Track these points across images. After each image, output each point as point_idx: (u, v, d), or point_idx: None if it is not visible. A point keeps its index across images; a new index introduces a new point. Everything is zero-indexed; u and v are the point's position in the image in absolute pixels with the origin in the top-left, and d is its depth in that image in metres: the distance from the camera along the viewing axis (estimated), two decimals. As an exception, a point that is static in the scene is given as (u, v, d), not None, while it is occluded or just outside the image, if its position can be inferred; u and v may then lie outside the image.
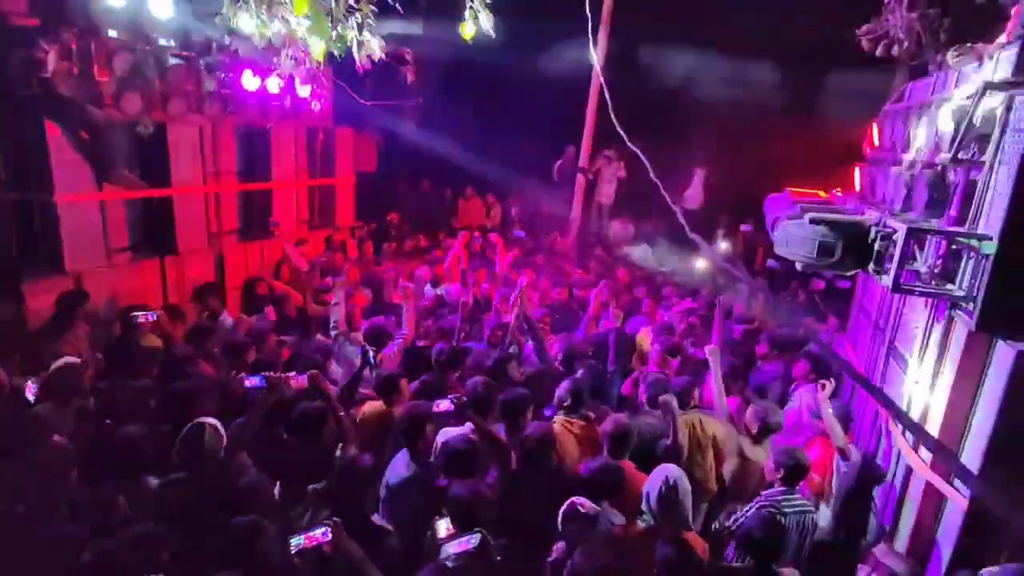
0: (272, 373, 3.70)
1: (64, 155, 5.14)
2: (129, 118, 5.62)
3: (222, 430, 3.15)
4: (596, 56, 7.98)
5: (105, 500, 2.71)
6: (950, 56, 3.63)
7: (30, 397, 3.44)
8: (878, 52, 4.89)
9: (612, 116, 3.78)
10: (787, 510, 3.23)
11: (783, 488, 3.32)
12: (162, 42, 5.85)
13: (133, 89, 5.54)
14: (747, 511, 3.25)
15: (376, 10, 3.93)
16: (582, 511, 2.88)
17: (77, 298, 4.90)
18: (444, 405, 3.52)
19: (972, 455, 2.79)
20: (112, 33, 5.42)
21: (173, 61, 6.07)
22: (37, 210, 5.26)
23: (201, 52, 6.22)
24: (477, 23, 3.65)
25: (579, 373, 4.41)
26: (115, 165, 5.43)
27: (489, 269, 7.18)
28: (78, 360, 3.83)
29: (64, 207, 5.27)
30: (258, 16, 3.77)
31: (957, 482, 2.89)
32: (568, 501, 2.94)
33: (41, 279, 5.15)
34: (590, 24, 5.30)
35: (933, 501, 3.11)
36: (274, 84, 6.63)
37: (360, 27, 3.59)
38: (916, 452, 3.25)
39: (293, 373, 3.65)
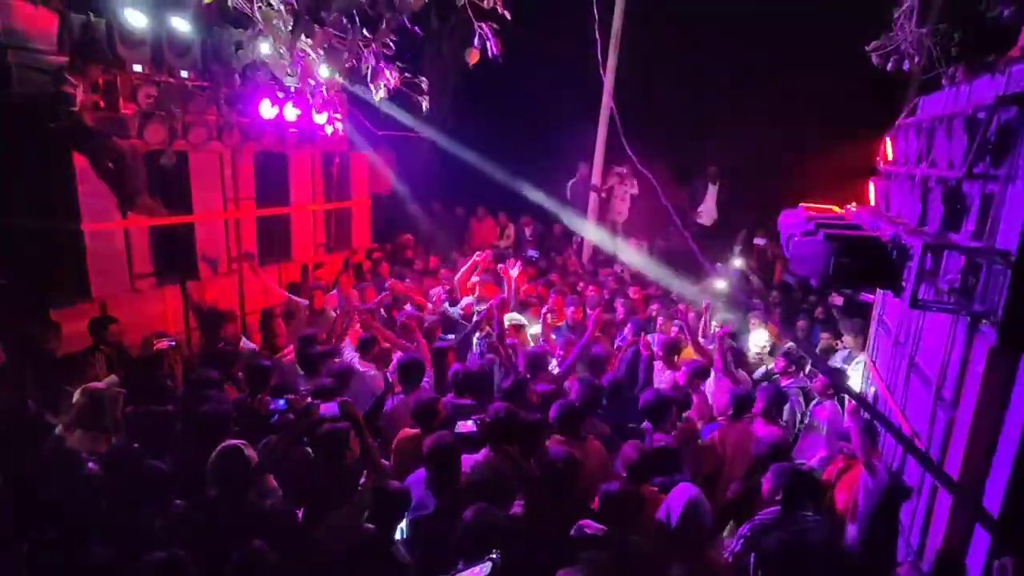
0: (295, 396, 3.77)
1: (90, 185, 5.30)
2: (152, 148, 5.79)
3: (251, 452, 3.18)
4: (606, 75, 8.10)
5: (139, 526, 2.74)
6: (962, 70, 3.64)
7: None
8: (889, 67, 4.91)
9: (623, 140, 3.83)
10: (778, 529, 3.19)
11: (778, 508, 3.30)
12: (184, 74, 6.04)
13: (156, 120, 5.72)
14: (742, 532, 3.24)
15: (395, 38, 4.04)
16: (588, 532, 2.85)
17: (104, 324, 5.03)
18: (467, 426, 3.52)
19: (999, 472, 2.74)
20: (137, 67, 5.62)
21: (194, 92, 6.25)
22: (64, 238, 5.42)
23: (221, 83, 6.40)
24: (484, 49, 3.73)
25: (572, 393, 4.39)
26: (139, 193, 5.59)
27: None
28: (102, 386, 3.90)
29: (90, 235, 5.42)
30: (276, 49, 3.90)
31: (986, 502, 2.83)
32: (575, 525, 2.91)
33: (68, 305, 5.29)
34: (600, 44, 5.41)
35: (961, 519, 3.04)
36: (291, 112, 6.81)
37: (376, 57, 3.69)
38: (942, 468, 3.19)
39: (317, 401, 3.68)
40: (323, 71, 4.33)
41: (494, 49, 3.64)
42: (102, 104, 5.41)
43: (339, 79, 3.73)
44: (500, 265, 6.88)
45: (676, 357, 5.52)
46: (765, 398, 4.52)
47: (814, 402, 5.05)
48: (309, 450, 3.53)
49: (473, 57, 3.71)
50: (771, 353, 6.21)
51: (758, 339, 6.39)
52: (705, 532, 3.00)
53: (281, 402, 3.65)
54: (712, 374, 5.22)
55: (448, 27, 10.93)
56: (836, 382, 4.66)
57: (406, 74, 4.29)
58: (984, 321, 2.78)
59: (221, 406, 3.67)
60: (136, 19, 5.38)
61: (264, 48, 4.12)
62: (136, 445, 3.48)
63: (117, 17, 5.32)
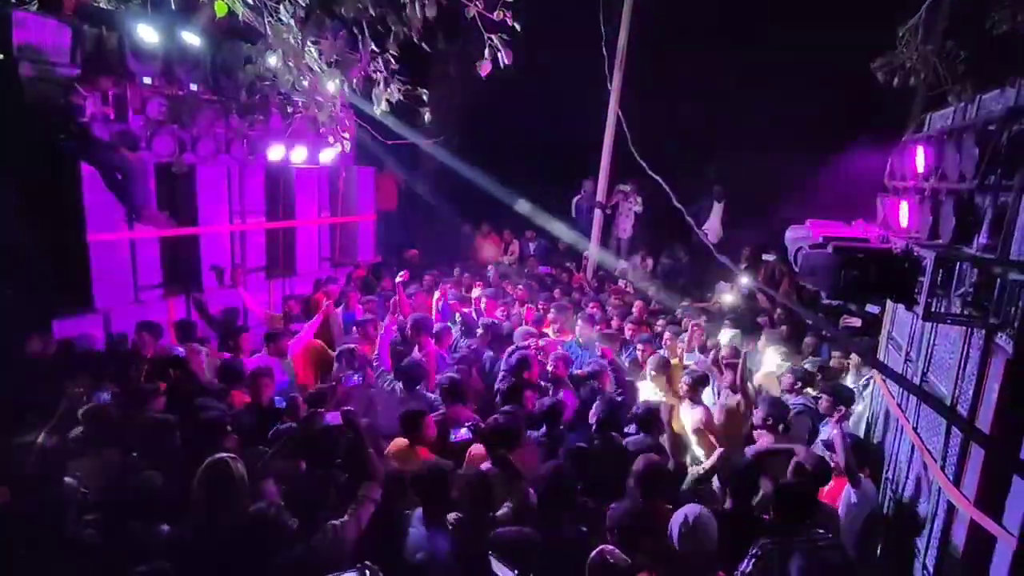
0: (296, 396, 3.75)
1: (97, 196, 5.32)
2: (161, 160, 5.82)
3: (240, 465, 3.10)
4: (612, 92, 8.15)
5: (120, 543, 2.68)
6: (970, 85, 3.65)
7: None
8: (895, 83, 4.93)
9: (631, 148, 3.83)
10: (789, 548, 3.09)
11: (784, 527, 3.20)
12: (193, 87, 6.10)
13: (165, 132, 5.76)
14: (751, 552, 3.13)
15: (397, 54, 4.08)
16: (611, 561, 2.74)
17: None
18: (462, 434, 3.50)
19: (1021, 487, 2.67)
20: (147, 80, 5.67)
21: (204, 104, 6.30)
22: (69, 248, 5.42)
23: (230, 96, 6.45)
24: (495, 60, 3.76)
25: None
26: (146, 205, 5.61)
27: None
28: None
29: (95, 246, 5.42)
30: (286, 63, 3.94)
31: (1006, 520, 2.74)
32: (597, 550, 2.80)
33: (71, 316, 5.27)
34: (607, 61, 5.45)
35: (979, 541, 2.95)
36: (299, 155, 6.99)
37: (386, 67, 3.72)
38: (958, 488, 3.10)
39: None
40: (330, 86, 4.34)
41: (506, 59, 3.67)
42: (112, 115, 5.45)
43: (346, 89, 3.74)
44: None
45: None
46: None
47: (824, 420, 4.96)
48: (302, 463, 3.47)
49: (485, 68, 3.73)
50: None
51: (771, 358, 6.30)
52: (706, 552, 2.90)
53: (281, 400, 3.67)
54: (719, 390, 5.18)
55: (456, 45, 11.05)
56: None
57: (408, 87, 4.32)
58: (1000, 334, 2.73)
59: (213, 413, 3.59)
60: (148, 34, 5.45)
61: (272, 60, 4.16)
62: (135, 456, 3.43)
63: (129, 31, 5.38)
